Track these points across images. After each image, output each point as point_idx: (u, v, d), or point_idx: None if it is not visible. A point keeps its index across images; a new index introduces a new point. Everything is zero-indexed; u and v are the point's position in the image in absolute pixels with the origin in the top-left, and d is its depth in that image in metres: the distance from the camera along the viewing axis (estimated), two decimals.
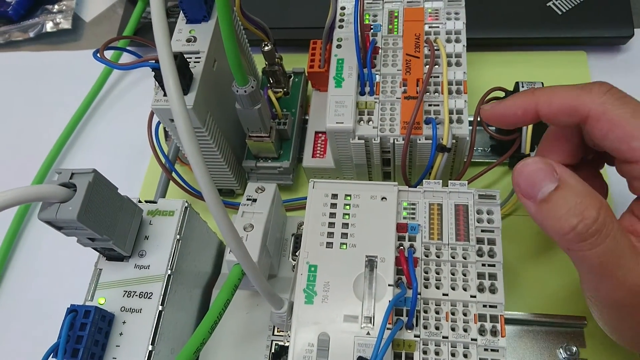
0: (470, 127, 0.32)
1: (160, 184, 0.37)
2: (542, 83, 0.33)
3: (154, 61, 0.28)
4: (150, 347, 0.26)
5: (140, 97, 0.48)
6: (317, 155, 0.38)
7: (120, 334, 0.26)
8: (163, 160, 0.36)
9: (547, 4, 0.41)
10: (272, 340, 0.31)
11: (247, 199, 0.31)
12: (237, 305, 0.32)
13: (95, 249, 0.28)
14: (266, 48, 0.36)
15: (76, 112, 0.47)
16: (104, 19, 0.55)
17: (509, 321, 0.32)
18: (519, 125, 0.28)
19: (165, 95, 0.30)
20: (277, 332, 0.31)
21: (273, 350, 0.30)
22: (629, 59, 0.41)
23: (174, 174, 0.37)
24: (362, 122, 0.32)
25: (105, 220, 0.25)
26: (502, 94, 0.35)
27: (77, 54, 0.52)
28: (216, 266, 0.35)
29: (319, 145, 0.38)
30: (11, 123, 0.50)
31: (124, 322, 0.27)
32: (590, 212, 0.21)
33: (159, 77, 0.29)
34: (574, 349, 0.30)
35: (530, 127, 0.33)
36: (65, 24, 0.54)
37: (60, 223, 0.24)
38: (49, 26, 0.54)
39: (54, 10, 0.55)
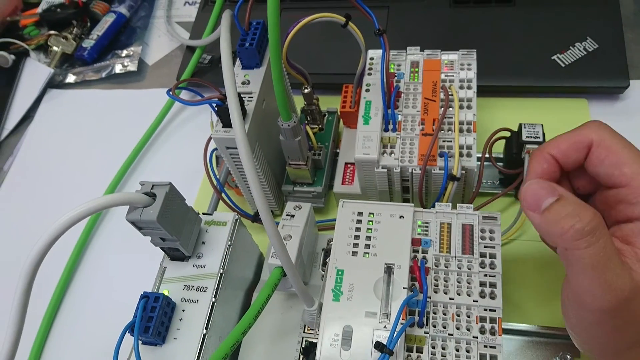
0: (478, 162, 0.37)
1: (211, 203, 0.43)
2: (542, 125, 0.38)
3: (216, 99, 0.35)
4: (204, 331, 0.31)
5: (193, 129, 0.55)
6: (346, 182, 0.44)
7: (180, 319, 0.32)
8: (215, 182, 0.43)
9: (552, 57, 0.46)
10: (302, 337, 0.36)
11: (287, 215, 0.36)
12: (274, 307, 0.37)
13: (162, 248, 0.34)
14: (306, 90, 0.43)
15: (140, 140, 0.55)
16: (164, 63, 0.63)
17: (511, 332, 0.36)
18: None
19: (223, 127, 0.37)
20: (307, 330, 0.36)
21: (303, 345, 0.35)
22: (627, 107, 0.45)
23: (223, 195, 0.43)
24: (385, 154, 0.38)
25: (176, 224, 0.31)
26: (507, 133, 0.40)
27: (141, 92, 0.61)
28: (256, 274, 0.41)
29: (347, 174, 0.44)
30: (85, 149, 0.57)
31: (183, 310, 0.32)
32: (586, 214, 0.24)
33: (221, 113, 0.36)
34: (568, 357, 0.34)
35: None
36: (132, 67, 0.63)
37: (142, 224, 0.30)
38: (118, 68, 0.63)
39: (123, 55, 0.64)
